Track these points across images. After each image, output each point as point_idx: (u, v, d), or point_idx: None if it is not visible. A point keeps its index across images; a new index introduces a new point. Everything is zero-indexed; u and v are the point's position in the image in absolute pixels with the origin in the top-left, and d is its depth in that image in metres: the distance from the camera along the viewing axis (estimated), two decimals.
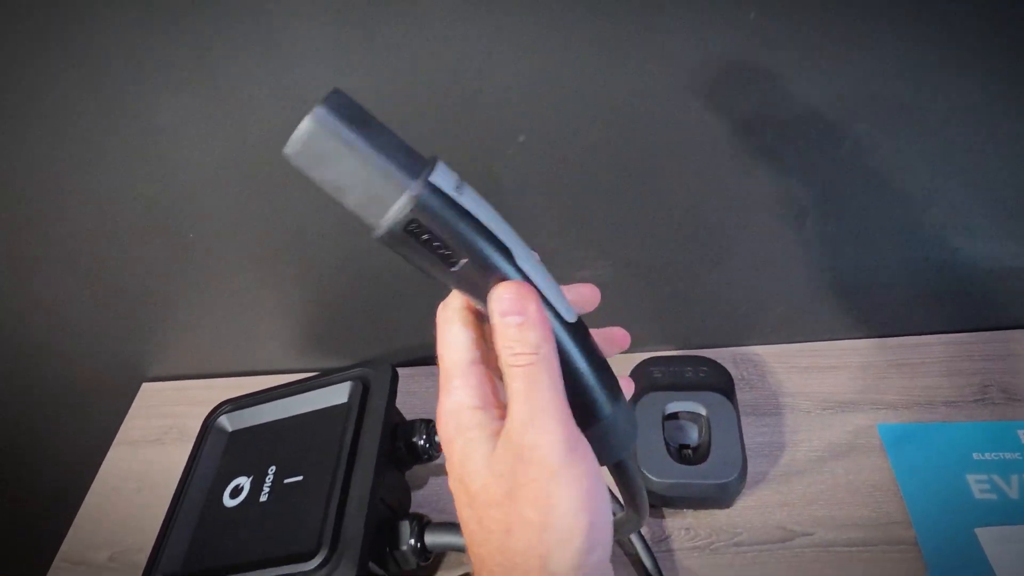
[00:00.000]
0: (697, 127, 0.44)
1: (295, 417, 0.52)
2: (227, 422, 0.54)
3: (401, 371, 0.63)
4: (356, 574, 0.41)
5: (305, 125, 0.20)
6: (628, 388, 0.29)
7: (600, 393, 0.26)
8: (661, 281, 0.55)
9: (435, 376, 0.69)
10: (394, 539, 0.43)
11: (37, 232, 0.54)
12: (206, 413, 0.55)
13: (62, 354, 0.66)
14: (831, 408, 0.53)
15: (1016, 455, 0.48)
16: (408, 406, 0.60)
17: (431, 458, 0.49)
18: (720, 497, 0.47)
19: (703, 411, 0.50)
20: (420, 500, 0.53)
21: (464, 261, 0.22)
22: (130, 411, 0.65)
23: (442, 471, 0.55)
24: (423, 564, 0.43)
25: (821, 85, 0.42)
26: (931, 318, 0.56)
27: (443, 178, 0.22)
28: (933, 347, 0.56)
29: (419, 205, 0.21)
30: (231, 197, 0.50)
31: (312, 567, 0.41)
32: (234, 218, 0.52)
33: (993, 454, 0.48)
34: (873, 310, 0.55)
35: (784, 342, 0.58)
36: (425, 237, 0.22)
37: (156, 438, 0.62)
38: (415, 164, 0.21)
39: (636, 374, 0.54)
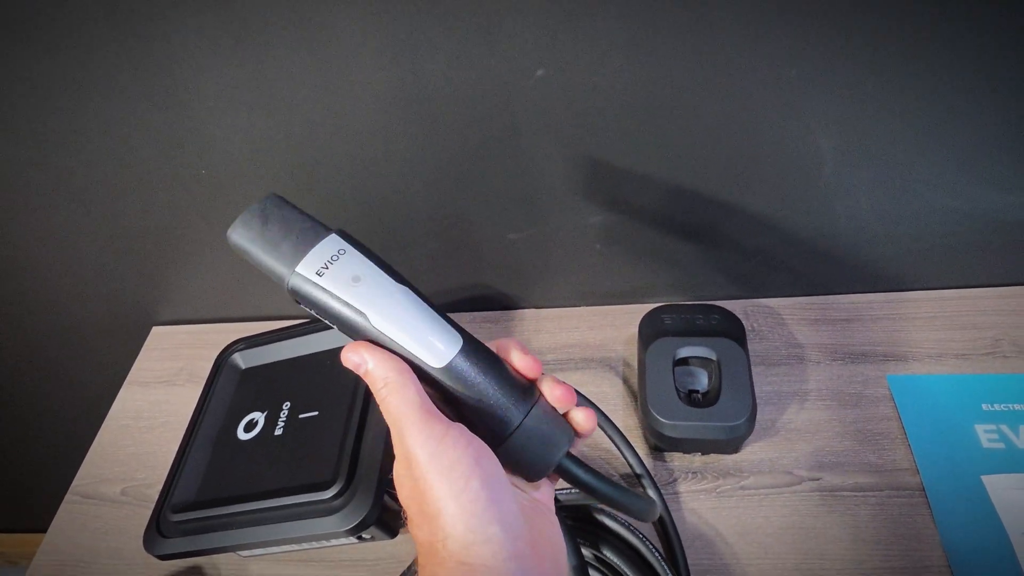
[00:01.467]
0: (716, 68, 0.44)
1: (310, 356, 0.53)
2: (240, 359, 0.54)
3: None
4: (372, 505, 0.41)
5: (229, 232, 0.29)
6: (568, 401, 0.31)
7: (494, 414, 0.29)
8: (673, 230, 0.55)
9: (466, 324, 0.69)
10: None
11: (52, 168, 0.54)
12: (217, 356, 0.55)
13: (74, 294, 0.66)
14: (841, 359, 0.53)
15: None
16: None
17: None
18: (728, 441, 0.48)
19: (713, 356, 0.50)
20: None
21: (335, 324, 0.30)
22: (141, 353, 0.66)
23: None
24: None
25: (847, 23, 0.41)
26: (946, 272, 0.55)
27: (310, 264, 0.29)
28: (947, 302, 0.56)
29: (291, 289, 0.29)
30: (243, 132, 0.50)
31: (328, 496, 0.42)
32: (247, 155, 0.51)
33: (1002, 405, 0.49)
34: (887, 263, 0.55)
35: (797, 295, 0.58)
36: (305, 307, 0.30)
37: (167, 379, 0.62)
38: (295, 254, 0.29)
39: (647, 321, 0.54)
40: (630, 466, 0.49)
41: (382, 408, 0.29)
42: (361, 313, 0.29)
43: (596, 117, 0.47)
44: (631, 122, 0.48)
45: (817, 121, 0.46)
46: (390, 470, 0.43)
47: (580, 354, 0.58)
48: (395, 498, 0.44)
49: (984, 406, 0.49)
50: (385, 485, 0.43)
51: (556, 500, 0.42)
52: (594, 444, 0.51)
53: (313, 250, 0.29)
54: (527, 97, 0.46)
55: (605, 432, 0.50)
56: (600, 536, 0.43)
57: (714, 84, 0.45)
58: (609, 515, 0.44)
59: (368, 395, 0.46)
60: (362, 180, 0.53)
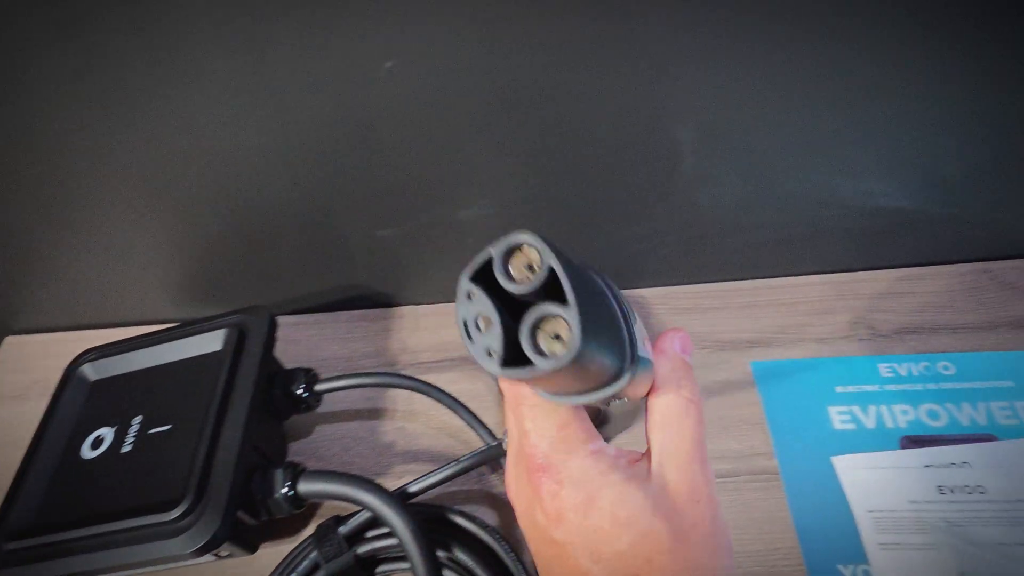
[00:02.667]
0: (572, 57, 0.43)
1: (166, 365, 0.50)
2: (90, 371, 0.51)
3: (285, 319, 0.61)
4: (222, 523, 0.40)
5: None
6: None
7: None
8: (545, 222, 0.54)
9: (321, 324, 0.67)
10: (267, 487, 0.42)
11: None
12: (66, 367, 0.52)
13: None
14: (709, 347, 0.55)
15: (875, 387, 0.51)
16: (290, 354, 0.58)
17: (309, 408, 0.48)
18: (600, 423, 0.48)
19: None
20: (299, 449, 0.52)
21: None
22: None
23: (323, 420, 0.54)
24: (296, 511, 0.42)
25: (698, 15, 0.41)
26: (808, 259, 0.57)
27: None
28: (811, 287, 0.57)
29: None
30: (89, 128, 0.46)
31: (173, 516, 0.40)
32: (100, 152, 0.48)
33: (854, 387, 0.51)
34: (753, 251, 0.56)
35: (669, 284, 0.59)
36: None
37: (19, 394, 0.58)
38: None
39: None
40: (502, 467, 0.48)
41: (687, 415, 0.28)
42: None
43: (453, 110, 0.46)
44: (490, 115, 0.47)
45: (674, 113, 0.46)
46: (243, 484, 0.42)
47: (458, 352, 0.57)
48: (254, 514, 0.42)
49: (838, 388, 0.51)
50: (236, 500, 0.41)
51: (410, 497, 0.42)
52: (471, 444, 0.51)
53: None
54: (379, 90, 0.44)
55: (476, 431, 0.49)
56: (454, 536, 0.43)
57: (570, 74, 0.44)
58: (464, 515, 0.43)
59: (224, 403, 0.44)
60: (212, 177, 0.50)
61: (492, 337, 0.22)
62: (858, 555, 0.43)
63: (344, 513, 0.44)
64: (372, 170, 0.50)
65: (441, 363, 0.57)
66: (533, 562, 0.43)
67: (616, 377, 0.24)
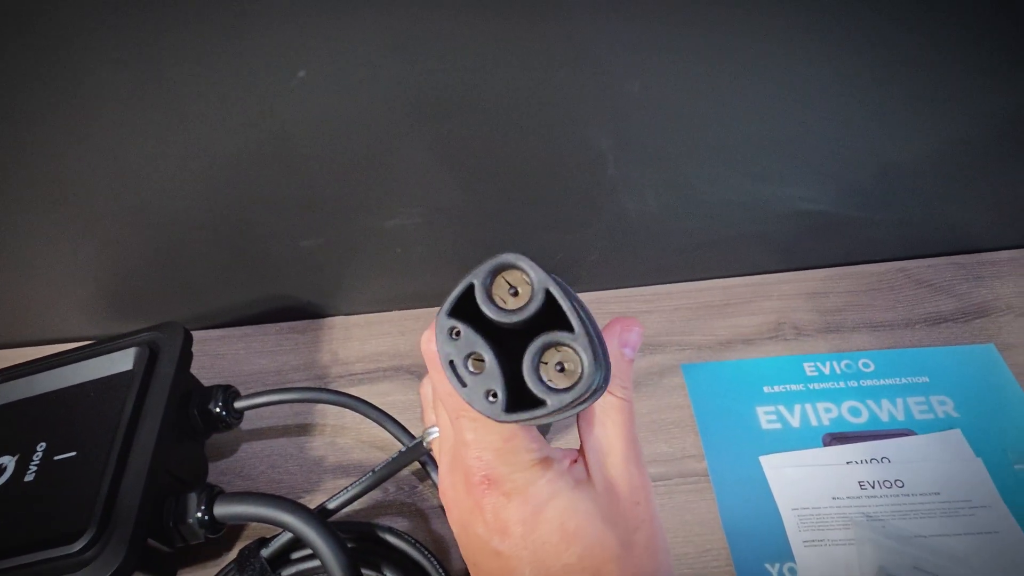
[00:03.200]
0: (492, 64, 0.43)
1: (72, 388, 0.47)
2: None
3: (210, 334, 0.59)
4: (128, 553, 0.38)
5: None
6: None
7: None
8: (474, 228, 0.54)
9: (248, 338, 0.65)
10: (180, 512, 0.40)
11: None
12: None
13: None
14: (640, 351, 0.55)
15: (800, 386, 0.52)
16: (216, 369, 0.56)
17: (229, 427, 0.46)
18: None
19: None
20: (224, 469, 0.50)
21: None
22: None
23: (249, 437, 0.52)
24: (213, 536, 0.41)
25: (609, 23, 0.41)
26: (733, 262, 0.58)
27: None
28: (737, 289, 0.58)
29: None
30: (0, 141, 0.44)
31: (76, 549, 0.38)
32: (7, 167, 0.45)
33: (781, 386, 0.52)
34: (679, 255, 0.57)
35: (600, 288, 0.59)
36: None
37: None
38: None
39: None
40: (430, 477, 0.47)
41: (618, 411, 0.26)
42: None
43: (372, 118, 0.45)
44: (411, 123, 0.46)
45: (594, 120, 0.46)
46: (154, 510, 0.40)
47: (390, 362, 0.56)
48: (167, 541, 0.40)
49: (765, 388, 0.52)
50: (144, 528, 0.39)
51: (330, 514, 0.41)
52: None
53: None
54: (292, 100, 0.43)
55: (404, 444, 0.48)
56: (383, 555, 0.41)
57: (492, 81, 0.44)
58: (393, 532, 0.42)
59: (132, 425, 0.42)
60: (125, 192, 0.48)
61: (490, 378, 0.20)
62: (785, 553, 0.43)
63: (271, 535, 0.42)
64: (291, 180, 0.49)
65: (374, 373, 0.56)
66: (465, 573, 0.43)
67: (594, 394, 0.22)
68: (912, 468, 0.46)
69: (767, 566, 0.43)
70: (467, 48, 0.42)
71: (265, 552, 0.41)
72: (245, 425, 0.52)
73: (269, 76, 0.42)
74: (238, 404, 0.45)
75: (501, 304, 0.20)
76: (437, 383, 0.27)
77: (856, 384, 0.51)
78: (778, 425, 0.50)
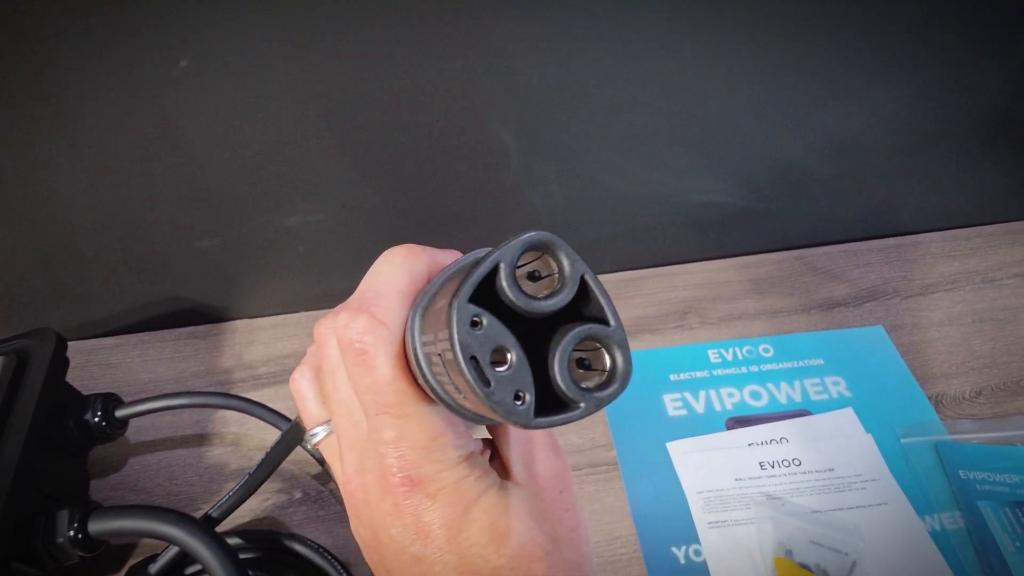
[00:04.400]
0: (388, 58, 0.42)
1: None
2: None
3: (104, 342, 0.56)
4: None
5: None
6: None
7: None
8: (382, 225, 0.53)
9: (145, 345, 0.62)
10: (50, 531, 0.37)
11: None
12: None
13: None
14: None
15: (705, 373, 0.53)
16: (108, 379, 0.54)
17: (110, 437, 0.44)
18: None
19: None
20: (116, 483, 0.47)
21: None
22: None
23: (143, 449, 0.49)
24: (90, 555, 0.38)
25: (508, 17, 0.41)
26: (641, 253, 0.59)
27: None
28: (644, 280, 0.59)
29: None
30: None
31: None
32: None
33: (686, 374, 0.53)
34: (588, 248, 0.58)
35: None
36: None
37: None
38: None
39: None
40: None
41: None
42: None
43: (267, 111, 0.44)
44: (309, 117, 0.45)
45: (493, 114, 0.46)
46: (18, 531, 0.36)
47: (296, 364, 0.54)
48: (35, 563, 0.37)
49: (672, 376, 0.53)
50: (4, 551, 0.35)
51: (216, 523, 0.38)
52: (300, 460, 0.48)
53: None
54: (175, 91, 0.41)
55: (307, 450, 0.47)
56: (287, 564, 0.40)
57: (392, 74, 0.43)
58: (297, 539, 0.41)
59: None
60: (27, 200, 0.44)
61: (519, 376, 0.17)
62: (690, 535, 0.44)
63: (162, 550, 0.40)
64: (182, 176, 0.46)
65: (280, 376, 0.54)
66: None
67: (625, 386, 0.20)
68: (808, 447, 0.48)
69: (673, 549, 0.44)
70: (362, 39, 0.41)
71: (153, 568, 0.39)
72: (138, 436, 0.50)
73: (149, 65, 0.40)
74: (120, 413, 0.42)
75: (528, 291, 0.17)
76: (331, 376, 0.25)
77: (757, 369, 0.53)
78: (684, 411, 0.51)
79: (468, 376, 0.17)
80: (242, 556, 0.40)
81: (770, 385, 0.52)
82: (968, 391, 0.51)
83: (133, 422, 0.46)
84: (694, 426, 0.50)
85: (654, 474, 0.47)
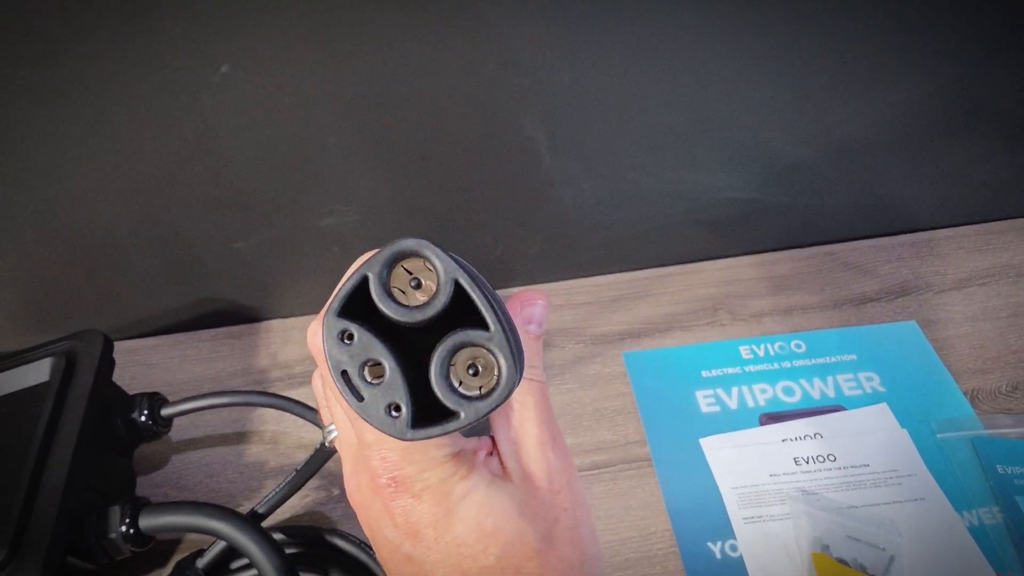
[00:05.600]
0: (419, 60, 0.43)
1: None
2: None
3: (143, 343, 0.57)
4: (43, 573, 0.36)
5: None
6: None
7: None
8: (412, 224, 0.53)
9: (182, 345, 0.63)
10: (102, 528, 0.38)
11: None
12: None
13: None
14: (583, 342, 0.55)
15: (737, 369, 0.53)
16: (148, 379, 0.55)
17: (156, 435, 0.45)
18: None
19: None
20: (159, 480, 0.49)
21: None
22: None
23: (185, 447, 0.50)
24: (141, 550, 0.39)
25: (537, 13, 0.42)
26: (669, 250, 0.59)
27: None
28: (674, 277, 0.59)
29: None
30: None
31: None
32: None
33: (718, 370, 0.53)
34: (618, 245, 0.58)
35: (542, 281, 0.59)
36: None
37: None
38: None
39: None
40: None
41: (529, 393, 0.25)
42: None
43: (301, 114, 0.44)
44: (342, 118, 0.45)
45: (526, 112, 0.47)
46: (72, 528, 0.38)
47: None
48: (90, 558, 0.38)
49: (704, 373, 0.53)
50: (60, 547, 0.37)
51: (262, 518, 0.39)
52: None
53: None
54: (215, 95, 0.42)
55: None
56: (330, 559, 0.41)
57: (421, 74, 0.44)
58: (340, 535, 0.41)
59: (47, 440, 0.40)
60: (40, 198, 0.45)
61: (391, 389, 0.17)
62: (726, 531, 0.44)
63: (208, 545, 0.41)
64: (219, 179, 0.47)
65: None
66: None
67: (510, 393, 0.20)
68: (843, 442, 0.48)
69: (709, 544, 0.44)
70: (396, 44, 0.42)
71: (201, 563, 0.39)
72: (180, 435, 0.51)
73: (190, 71, 0.40)
74: (165, 412, 0.43)
75: (402, 300, 0.17)
76: (329, 382, 0.25)
77: (789, 365, 0.53)
78: (716, 408, 0.51)
79: (340, 390, 0.17)
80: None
81: (803, 381, 0.52)
82: (1004, 386, 0.50)
83: (175, 421, 0.47)
84: (727, 422, 0.50)
85: (688, 470, 0.48)
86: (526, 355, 0.24)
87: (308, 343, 0.25)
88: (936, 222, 0.61)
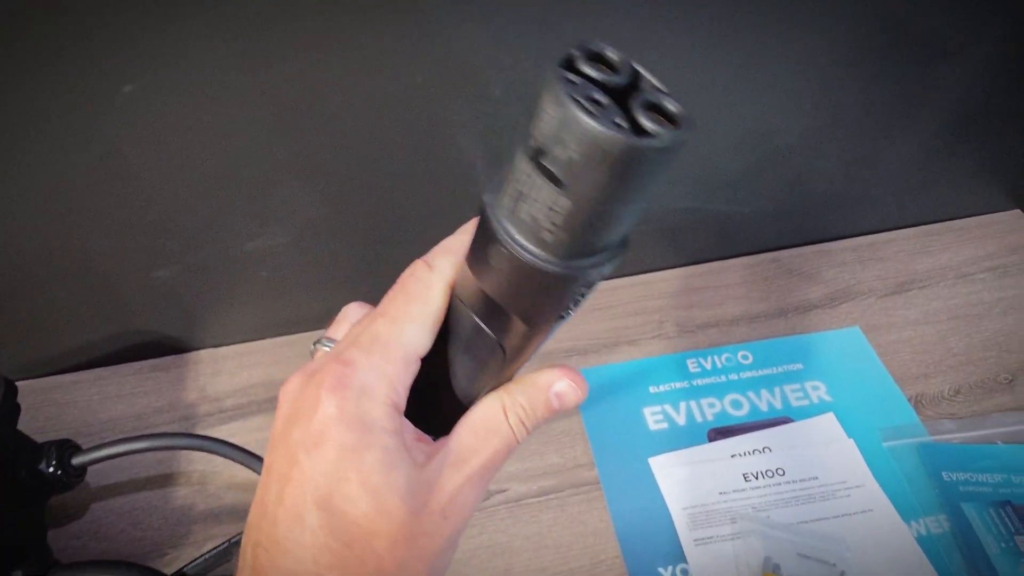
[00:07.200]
0: (360, 71, 0.41)
1: None
2: None
3: (60, 379, 0.54)
4: None
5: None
6: None
7: None
8: (347, 246, 0.51)
9: (103, 381, 0.58)
10: None
11: None
12: None
13: None
14: (528, 361, 0.54)
15: (684, 383, 0.52)
16: (66, 420, 0.51)
17: (68, 486, 0.41)
18: None
19: None
20: (76, 532, 0.45)
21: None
22: None
23: (105, 494, 0.47)
24: None
25: (468, 23, 0.40)
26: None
27: None
28: (620, 290, 0.58)
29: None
30: None
31: None
32: None
33: (666, 385, 0.52)
34: None
35: None
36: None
37: None
38: None
39: None
40: None
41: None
42: None
43: (219, 134, 0.42)
44: (264, 137, 0.43)
45: (459, 127, 0.45)
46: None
47: (264, 393, 0.53)
48: None
49: (651, 388, 0.52)
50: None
51: None
52: None
53: None
54: (120, 116, 0.39)
55: None
56: None
57: (347, 89, 0.41)
58: None
59: None
60: None
61: (612, 110, 0.18)
62: (677, 555, 0.43)
63: None
64: (132, 205, 0.44)
65: (247, 408, 0.52)
66: None
67: (616, 253, 0.21)
68: (792, 455, 0.47)
69: (660, 570, 0.43)
70: (320, 52, 0.39)
71: None
72: (99, 479, 0.47)
73: (89, 91, 0.37)
74: (76, 461, 0.40)
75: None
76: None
77: (736, 377, 0.52)
78: (665, 425, 0.50)
79: (573, 107, 0.17)
80: None
81: (751, 393, 0.51)
82: (947, 390, 0.51)
83: (92, 466, 0.44)
84: (676, 439, 0.49)
85: (637, 492, 0.46)
86: (530, 412, 0.25)
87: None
88: (876, 226, 0.61)
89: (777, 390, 0.51)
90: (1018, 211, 0.63)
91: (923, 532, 0.43)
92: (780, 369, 0.52)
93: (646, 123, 0.18)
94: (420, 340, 0.24)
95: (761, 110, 0.50)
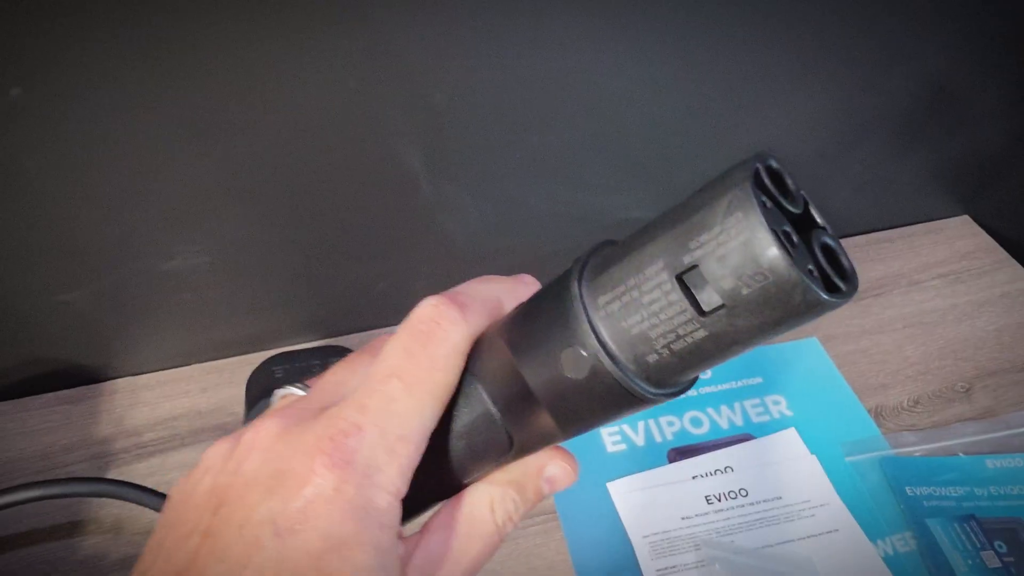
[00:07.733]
0: (268, 78, 0.37)
1: None
2: None
3: None
4: None
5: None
6: None
7: None
8: (277, 262, 0.47)
9: (5, 416, 0.52)
10: None
11: None
12: None
13: None
14: None
15: None
16: None
17: None
18: None
19: None
20: None
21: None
22: None
23: (5, 546, 0.42)
24: None
25: (411, 25, 0.37)
26: None
27: None
28: None
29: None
30: None
31: None
32: None
33: None
34: (513, 271, 0.54)
35: None
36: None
37: None
38: None
39: (255, 378, 0.46)
40: None
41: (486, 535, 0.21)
42: None
43: (126, 143, 0.37)
44: (178, 147, 0.39)
45: (398, 135, 0.42)
46: None
47: (189, 425, 0.48)
48: None
49: None
50: None
51: None
52: None
53: None
54: (9, 123, 0.35)
55: None
56: None
57: (269, 92, 0.38)
58: None
59: None
60: None
61: (803, 256, 0.16)
62: None
63: None
64: (31, 223, 0.40)
65: (170, 442, 0.47)
66: None
67: (687, 389, 0.19)
68: (754, 474, 0.45)
69: None
70: (239, 54, 0.36)
71: None
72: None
73: None
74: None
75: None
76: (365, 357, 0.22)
77: (695, 393, 0.50)
78: (623, 446, 0.47)
79: (775, 247, 0.15)
80: None
81: (710, 410, 0.49)
82: (906, 400, 0.50)
83: None
84: (635, 461, 0.46)
85: (596, 520, 0.44)
86: (519, 501, 0.21)
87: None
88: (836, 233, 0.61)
89: (737, 406, 0.49)
90: (967, 217, 0.63)
91: (890, 551, 0.42)
92: (740, 383, 0.50)
93: (836, 279, 0.16)
94: (436, 416, 0.19)
95: (713, 119, 0.48)
